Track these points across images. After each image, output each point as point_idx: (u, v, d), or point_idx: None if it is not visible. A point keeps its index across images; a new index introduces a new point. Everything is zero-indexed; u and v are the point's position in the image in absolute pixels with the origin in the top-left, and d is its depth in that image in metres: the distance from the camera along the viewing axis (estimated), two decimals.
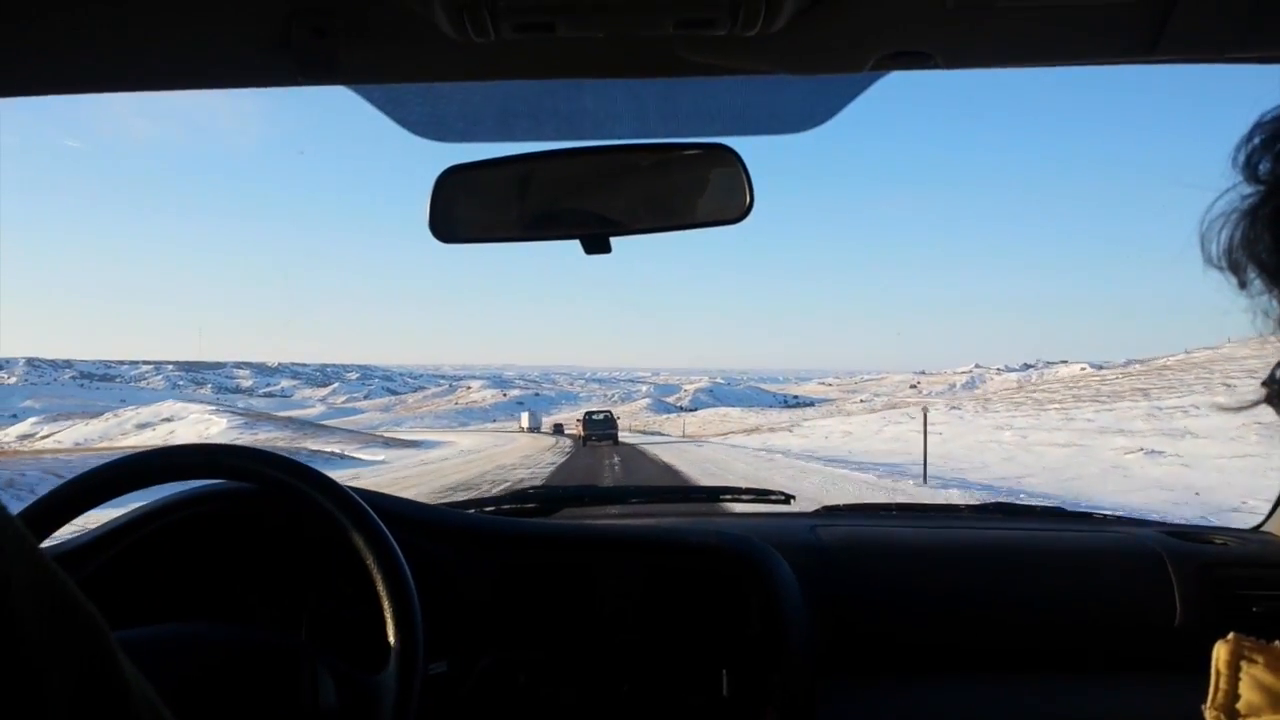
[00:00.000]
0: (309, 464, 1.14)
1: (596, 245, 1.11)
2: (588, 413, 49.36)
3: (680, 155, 1.14)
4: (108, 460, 1.11)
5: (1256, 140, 0.48)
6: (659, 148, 1.14)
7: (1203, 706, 0.49)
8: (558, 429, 78.21)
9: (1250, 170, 0.48)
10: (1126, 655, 1.41)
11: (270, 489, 1.16)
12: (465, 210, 1.17)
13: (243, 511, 1.31)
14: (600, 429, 44.07)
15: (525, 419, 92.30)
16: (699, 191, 1.15)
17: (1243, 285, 0.49)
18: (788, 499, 1.93)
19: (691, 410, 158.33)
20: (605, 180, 1.14)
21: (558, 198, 1.16)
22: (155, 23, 0.79)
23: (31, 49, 0.82)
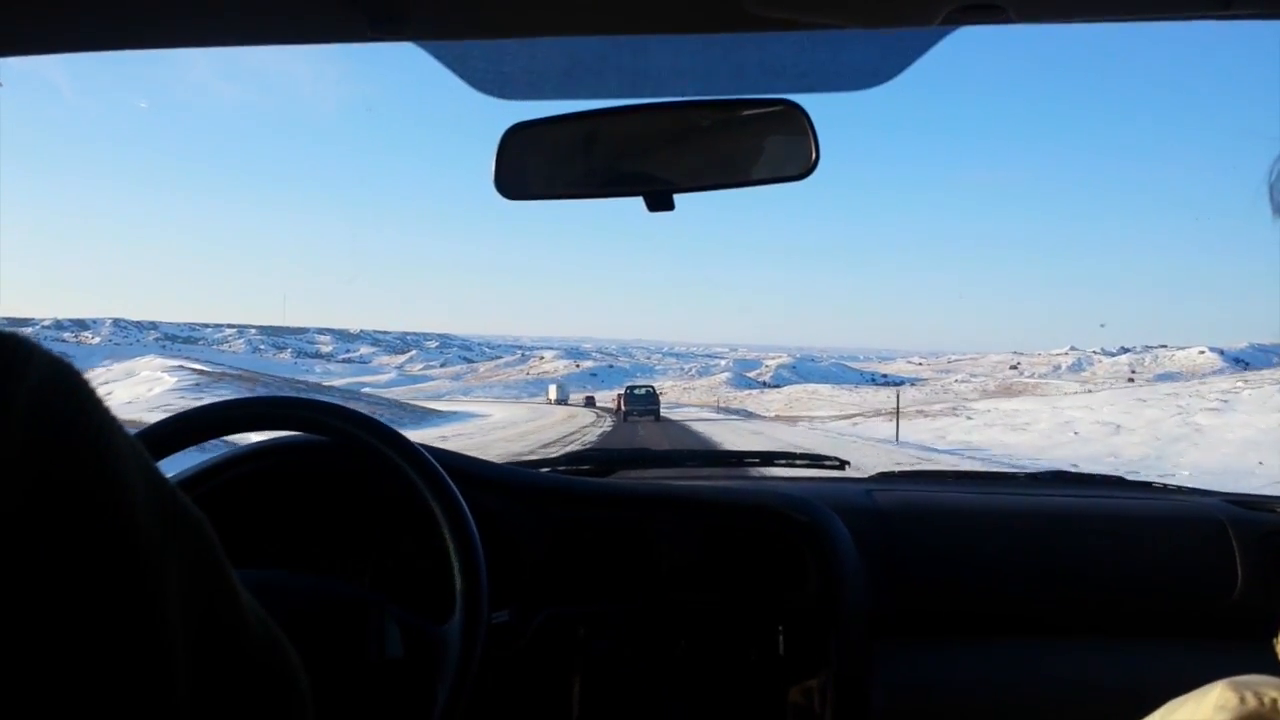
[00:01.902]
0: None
1: (660, 202, 1.12)
2: (629, 386, 48.78)
3: (745, 111, 1.13)
4: (183, 410, 1.14)
5: None
6: (724, 104, 1.13)
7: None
8: (589, 401, 76.81)
9: None
10: (1184, 623, 1.39)
11: (343, 443, 1.19)
12: (530, 166, 1.18)
13: (310, 465, 1.34)
14: (641, 404, 43.36)
15: (553, 391, 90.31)
16: (764, 148, 1.15)
17: None
18: (842, 465, 1.92)
19: (775, 386, 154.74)
20: (670, 137, 1.14)
21: (622, 154, 1.17)
22: None
23: (101, 2, 0.80)
